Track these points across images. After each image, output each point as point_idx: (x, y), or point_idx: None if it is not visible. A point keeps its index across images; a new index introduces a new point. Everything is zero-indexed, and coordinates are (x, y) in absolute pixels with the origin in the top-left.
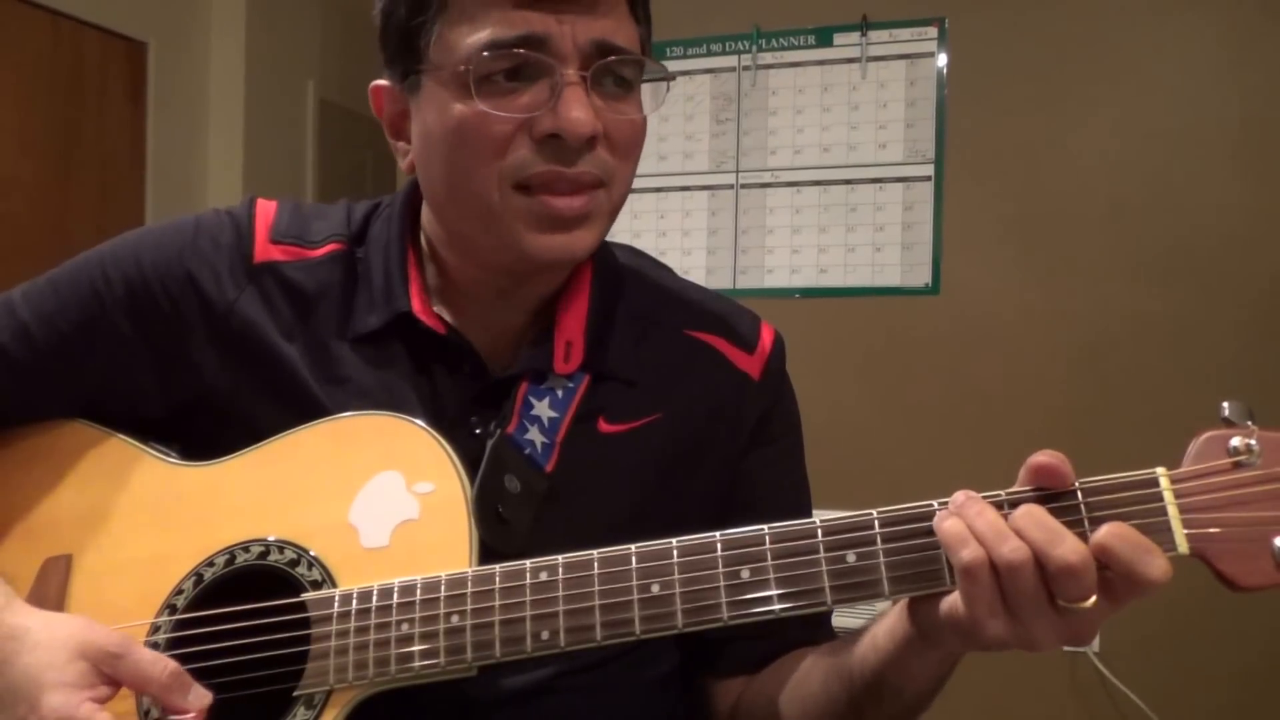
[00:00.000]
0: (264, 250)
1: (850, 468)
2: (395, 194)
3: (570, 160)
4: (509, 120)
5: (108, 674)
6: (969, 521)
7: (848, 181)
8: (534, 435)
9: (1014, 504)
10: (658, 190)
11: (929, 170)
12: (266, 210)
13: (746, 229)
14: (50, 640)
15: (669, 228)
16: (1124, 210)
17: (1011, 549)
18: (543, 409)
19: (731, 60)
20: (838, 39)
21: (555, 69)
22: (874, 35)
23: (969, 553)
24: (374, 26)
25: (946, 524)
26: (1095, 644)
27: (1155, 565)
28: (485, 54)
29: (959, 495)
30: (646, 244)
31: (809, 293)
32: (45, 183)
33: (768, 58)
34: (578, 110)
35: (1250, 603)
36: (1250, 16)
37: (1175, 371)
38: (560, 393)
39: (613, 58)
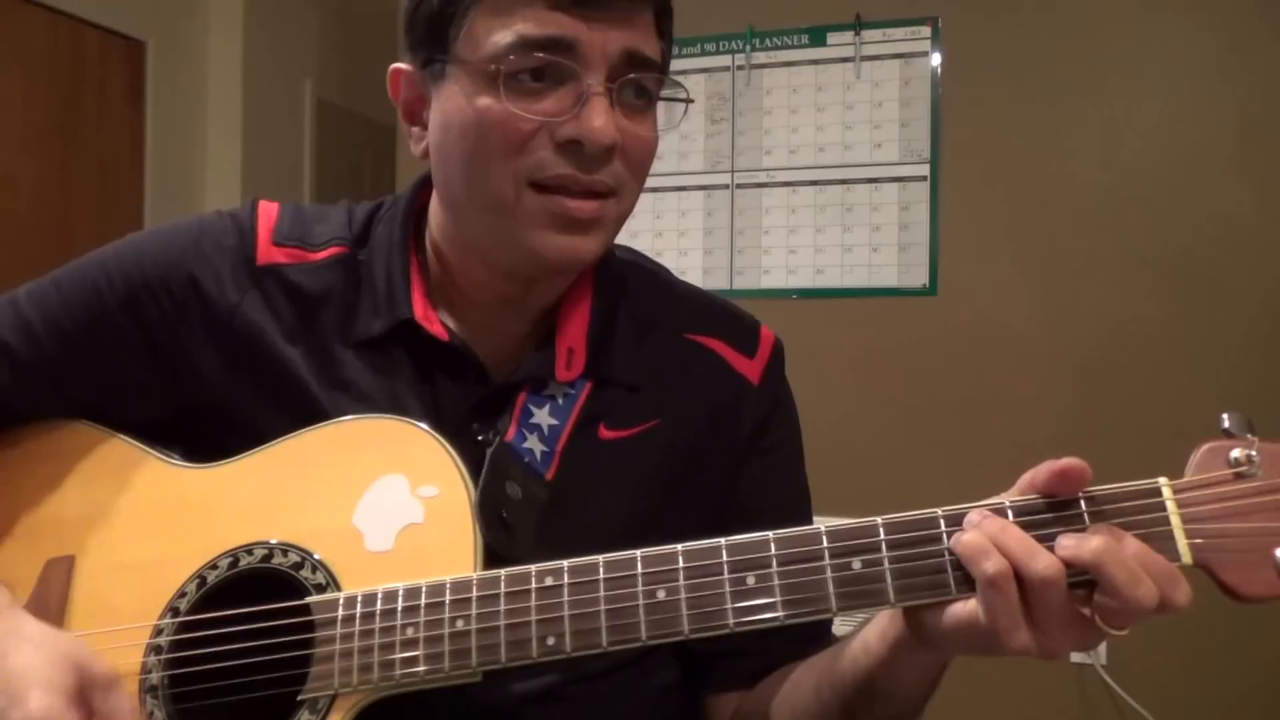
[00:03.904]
0: (266, 253)
1: (847, 469)
2: (398, 195)
3: (589, 168)
4: (531, 120)
5: (89, 701)
6: (994, 536)
7: (843, 181)
8: (533, 444)
9: (1019, 511)
10: (654, 190)
11: (925, 170)
12: (269, 212)
13: (743, 229)
14: (49, 647)
15: (665, 228)
16: (1122, 211)
17: (1045, 565)
18: (543, 417)
19: (725, 60)
20: (831, 38)
21: (581, 76)
22: (867, 35)
23: (992, 565)
24: (389, 12)
25: (966, 536)
26: (1103, 656)
27: (1183, 591)
28: (513, 51)
29: (974, 515)
30: (643, 244)
31: (806, 293)
32: (45, 180)
33: (761, 57)
34: (601, 120)
35: (1258, 616)
36: (1246, 18)
37: (1175, 375)
38: (561, 400)
39: (638, 73)
